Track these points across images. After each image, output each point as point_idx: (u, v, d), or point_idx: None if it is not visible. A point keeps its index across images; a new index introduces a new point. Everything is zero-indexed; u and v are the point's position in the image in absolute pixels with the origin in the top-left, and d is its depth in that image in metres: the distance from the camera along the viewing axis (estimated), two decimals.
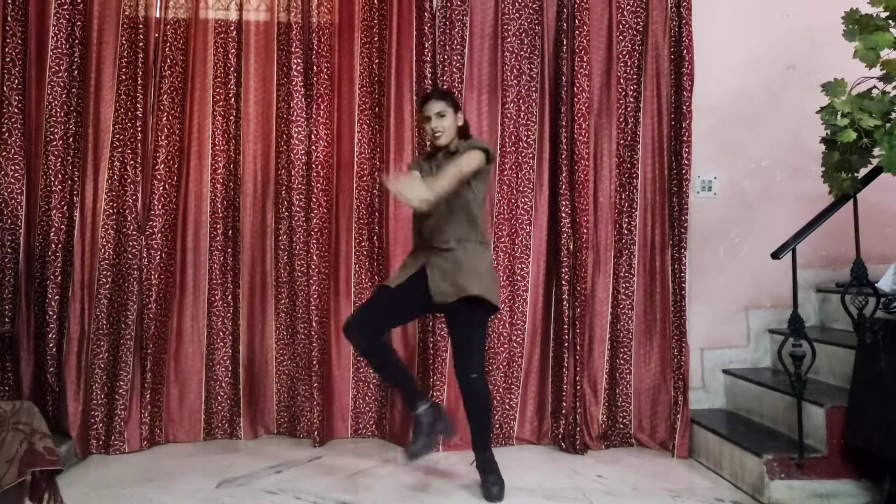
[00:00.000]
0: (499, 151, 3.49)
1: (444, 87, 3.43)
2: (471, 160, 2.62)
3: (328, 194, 3.43)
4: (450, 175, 2.55)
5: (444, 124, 2.74)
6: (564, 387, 3.36)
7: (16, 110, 3.26)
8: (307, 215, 3.42)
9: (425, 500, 2.74)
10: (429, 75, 3.41)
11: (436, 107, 2.75)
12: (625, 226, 3.51)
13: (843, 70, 2.63)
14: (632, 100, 3.52)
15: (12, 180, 3.24)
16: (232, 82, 3.50)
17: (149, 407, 3.39)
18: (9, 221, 3.22)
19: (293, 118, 3.41)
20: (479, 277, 2.70)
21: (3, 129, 3.23)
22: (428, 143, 3.00)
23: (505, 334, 3.46)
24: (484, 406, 2.80)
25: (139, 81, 3.36)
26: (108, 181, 3.30)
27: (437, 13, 3.48)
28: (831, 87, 2.60)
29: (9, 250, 3.22)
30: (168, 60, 3.45)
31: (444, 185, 2.53)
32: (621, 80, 3.52)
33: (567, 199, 3.40)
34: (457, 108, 2.81)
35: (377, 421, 3.52)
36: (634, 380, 3.47)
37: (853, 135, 2.49)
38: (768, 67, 3.67)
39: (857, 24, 2.57)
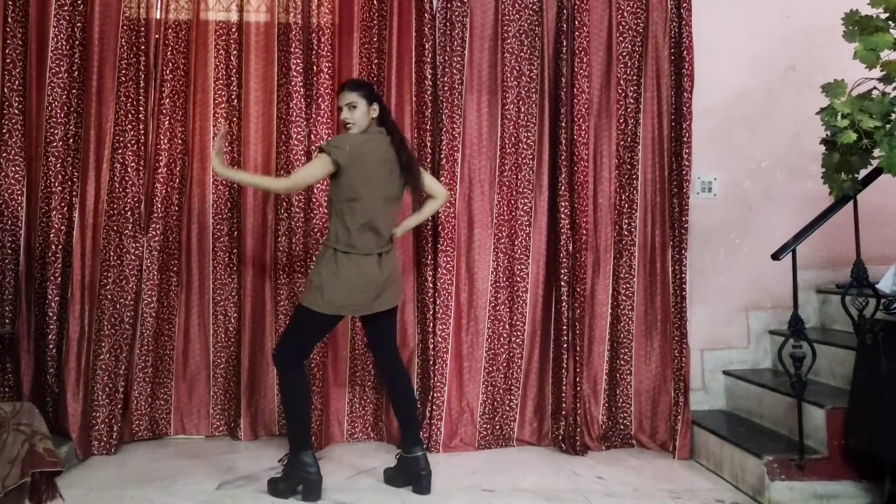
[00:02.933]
0: (498, 153, 3.49)
1: (445, 88, 3.43)
2: (302, 168, 2.81)
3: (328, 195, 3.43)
4: (250, 181, 2.95)
5: (354, 116, 2.76)
6: (564, 388, 3.36)
7: (16, 111, 3.26)
8: (306, 216, 3.42)
9: (426, 502, 2.74)
10: (429, 76, 3.41)
11: (346, 98, 2.78)
12: (625, 227, 3.51)
13: (843, 71, 2.64)
14: (632, 101, 3.53)
15: (13, 181, 3.24)
16: (233, 83, 3.51)
17: (151, 407, 3.42)
18: (9, 222, 3.22)
19: (292, 118, 3.41)
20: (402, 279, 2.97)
21: (4, 131, 3.23)
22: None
23: (504, 335, 3.46)
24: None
25: (140, 83, 3.36)
26: (109, 183, 3.30)
27: (437, 14, 3.48)
28: (831, 88, 2.60)
29: (9, 251, 3.22)
30: (170, 63, 3.45)
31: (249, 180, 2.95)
32: (621, 81, 3.52)
33: (566, 201, 3.40)
34: (371, 99, 2.79)
35: (373, 424, 3.51)
36: (635, 380, 3.47)
37: (853, 136, 2.49)
38: (768, 68, 3.68)
39: (857, 25, 2.57)
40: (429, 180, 2.93)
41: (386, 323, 2.88)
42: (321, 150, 2.70)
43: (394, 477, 2.87)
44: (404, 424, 2.87)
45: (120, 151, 3.34)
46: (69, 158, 3.31)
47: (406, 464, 2.82)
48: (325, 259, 2.70)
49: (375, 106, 2.79)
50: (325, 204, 3.37)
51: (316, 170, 2.70)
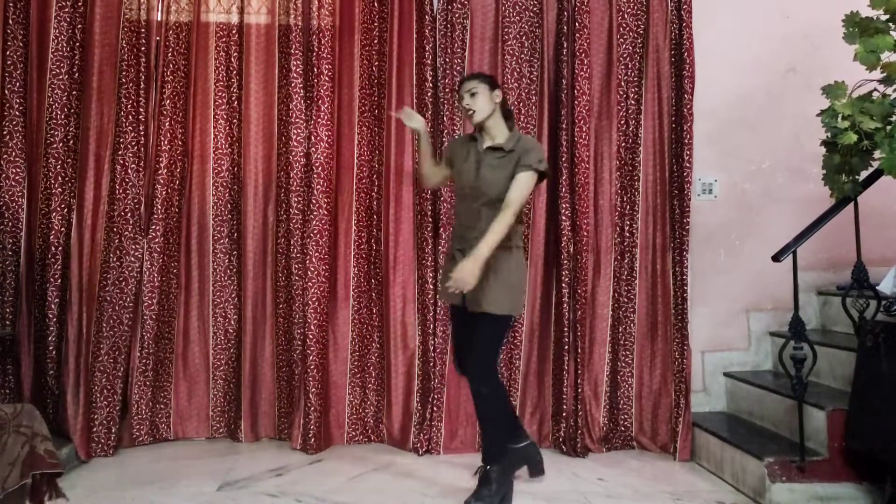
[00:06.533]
0: None
1: (445, 90, 3.43)
2: (521, 191, 2.57)
3: (328, 196, 3.42)
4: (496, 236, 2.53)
5: (476, 103, 2.68)
6: (565, 389, 3.36)
7: (17, 113, 3.26)
8: (305, 218, 3.41)
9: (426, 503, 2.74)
10: (429, 78, 3.41)
11: (466, 86, 2.72)
12: (626, 228, 3.51)
13: (844, 73, 2.64)
14: (632, 102, 3.53)
15: (13, 183, 3.24)
16: (234, 85, 3.51)
17: (150, 408, 3.42)
18: (10, 224, 3.22)
19: (292, 120, 3.41)
20: None
21: (4, 132, 3.23)
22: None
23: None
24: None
25: (140, 85, 3.37)
26: (109, 184, 3.30)
27: (438, 16, 3.48)
28: (832, 90, 2.61)
29: (9, 253, 3.21)
30: (170, 64, 3.46)
31: (494, 240, 2.53)
32: (622, 83, 3.52)
33: (567, 202, 3.40)
34: (493, 86, 2.72)
35: (374, 426, 3.51)
36: (636, 382, 3.47)
37: (854, 137, 2.49)
38: (769, 70, 3.68)
39: (857, 27, 2.58)
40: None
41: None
42: (529, 169, 2.58)
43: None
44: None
45: (120, 153, 3.35)
46: (69, 160, 3.31)
47: (516, 453, 2.85)
48: (514, 260, 2.66)
49: (498, 92, 2.73)
50: (324, 207, 3.37)
51: (530, 189, 2.64)
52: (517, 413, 3.10)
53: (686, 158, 3.39)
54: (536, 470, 2.91)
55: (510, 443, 2.81)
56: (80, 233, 3.24)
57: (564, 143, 3.42)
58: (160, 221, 3.43)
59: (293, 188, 3.41)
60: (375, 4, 3.51)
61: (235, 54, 3.51)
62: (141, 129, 3.37)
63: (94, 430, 3.21)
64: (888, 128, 2.49)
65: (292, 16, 3.44)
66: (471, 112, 2.69)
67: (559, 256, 3.41)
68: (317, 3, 3.44)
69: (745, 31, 3.66)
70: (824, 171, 2.75)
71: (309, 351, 3.33)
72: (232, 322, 3.50)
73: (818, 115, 2.64)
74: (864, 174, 2.70)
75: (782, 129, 3.65)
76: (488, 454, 2.73)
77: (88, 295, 3.23)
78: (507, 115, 2.76)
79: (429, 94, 3.42)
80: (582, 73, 3.40)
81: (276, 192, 3.49)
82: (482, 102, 2.67)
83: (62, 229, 3.28)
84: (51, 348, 3.21)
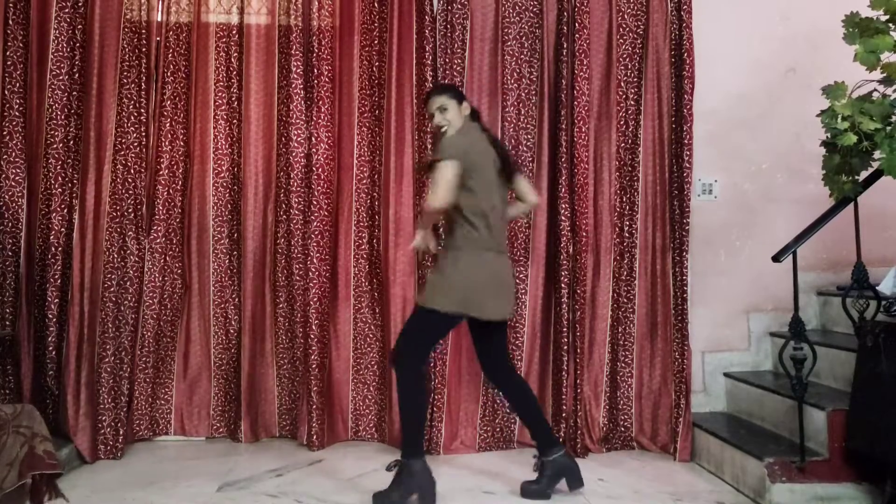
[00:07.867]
0: None
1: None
2: (437, 181, 2.56)
3: (328, 197, 3.43)
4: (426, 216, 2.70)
5: (447, 118, 2.73)
6: (564, 390, 3.36)
7: (17, 113, 3.26)
8: (306, 218, 3.42)
9: None
10: (429, 78, 3.41)
11: (436, 102, 2.76)
12: (625, 229, 3.51)
13: (844, 73, 2.64)
14: (632, 103, 3.53)
15: (13, 183, 3.24)
16: (234, 86, 3.52)
17: (151, 407, 3.43)
18: (9, 224, 3.23)
19: (293, 121, 3.42)
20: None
21: (5, 133, 3.23)
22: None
23: None
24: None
25: (141, 85, 3.37)
26: (111, 185, 3.30)
27: (438, 16, 3.48)
28: (831, 91, 2.60)
29: (9, 253, 3.22)
30: (171, 65, 3.46)
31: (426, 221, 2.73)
32: (621, 84, 3.53)
33: (567, 203, 3.40)
34: (460, 98, 2.77)
35: (377, 424, 3.51)
36: (636, 383, 3.47)
37: (853, 138, 2.49)
38: (769, 70, 3.68)
39: (857, 28, 2.57)
40: (523, 184, 2.89)
41: (499, 333, 2.85)
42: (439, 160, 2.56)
43: (539, 489, 2.78)
44: (534, 428, 2.84)
45: (121, 153, 3.35)
46: (69, 160, 3.31)
47: (550, 465, 2.79)
48: (453, 261, 2.65)
49: (466, 105, 2.78)
50: (324, 207, 3.38)
51: (443, 174, 2.54)
52: (545, 421, 2.92)
53: (686, 159, 3.39)
54: (575, 481, 2.80)
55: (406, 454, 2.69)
56: (83, 233, 3.24)
57: (564, 144, 3.42)
58: (161, 222, 3.44)
59: (293, 189, 3.42)
60: (375, 5, 3.51)
61: (235, 55, 3.51)
62: (142, 129, 3.37)
63: (102, 431, 3.21)
64: (888, 128, 2.49)
65: (292, 16, 3.45)
66: (444, 128, 2.72)
67: (558, 257, 3.41)
68: (317, 3, 3.44)
69: (745, 31, 3.66)
70: (824, 172, 2.75)
71: (310, 350, 3.34)
72: (232, 322, 3.50)
73: (818, 116, 2.64)
74: (863, 174, 2.70)
75: (782, 129, 3.65)
76: (402, 445, 2.69)
77: (91, 295, 3.23)
78: (475, 117, 2.82)
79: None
80: (581, 73, 3.40)
81: (276, 192, 3.49)
82: (453, 117, 2.73)
83: (62, 230, 3.28)
84: (50, 349, 3.21)
